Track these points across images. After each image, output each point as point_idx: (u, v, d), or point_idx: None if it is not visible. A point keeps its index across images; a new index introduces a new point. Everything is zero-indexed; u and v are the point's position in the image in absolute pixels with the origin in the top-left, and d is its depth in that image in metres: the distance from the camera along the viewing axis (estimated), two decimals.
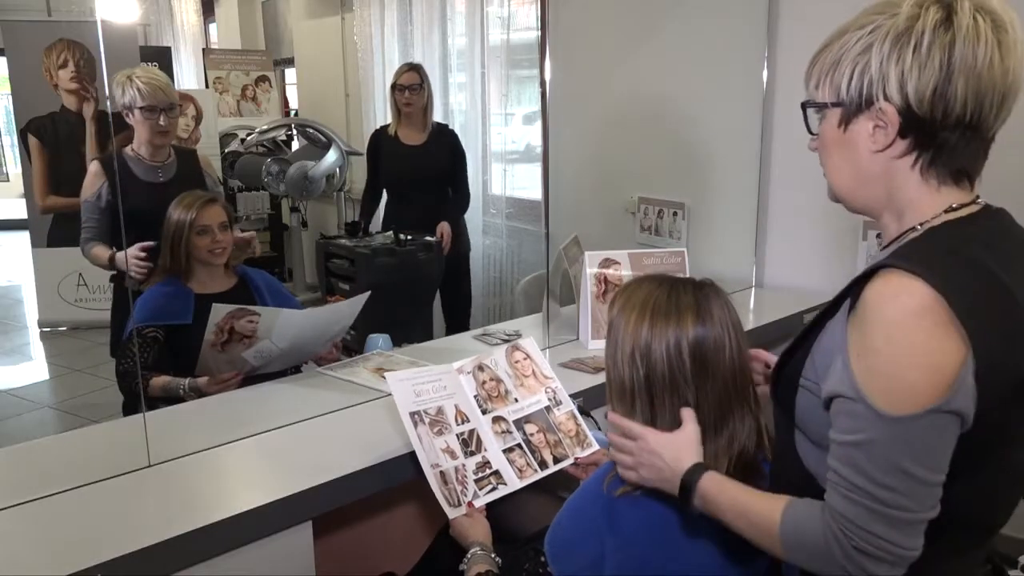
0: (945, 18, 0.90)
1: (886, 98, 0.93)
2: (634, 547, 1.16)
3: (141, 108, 2.39)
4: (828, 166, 1.04)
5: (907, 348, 0.85)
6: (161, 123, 2.42)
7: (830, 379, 0.93)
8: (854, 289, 0.92)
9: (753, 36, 2.75)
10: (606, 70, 3.30)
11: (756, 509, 1.01)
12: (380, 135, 3.70)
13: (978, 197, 0.98)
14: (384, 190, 3.74)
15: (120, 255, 2.30)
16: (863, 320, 0.89)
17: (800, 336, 1.01)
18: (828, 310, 0.98)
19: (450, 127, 3.83)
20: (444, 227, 3.51)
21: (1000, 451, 0.91)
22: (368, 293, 2.11)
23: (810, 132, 1.05)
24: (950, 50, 0.89)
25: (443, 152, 3.59)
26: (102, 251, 2.41)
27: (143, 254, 2.23)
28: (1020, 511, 1.01)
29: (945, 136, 0.93)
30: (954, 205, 0.96)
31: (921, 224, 0.96)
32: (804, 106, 1.03)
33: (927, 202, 0.97)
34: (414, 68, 3.58)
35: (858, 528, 0.88)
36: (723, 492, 1.06)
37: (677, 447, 1.12)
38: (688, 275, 1.37)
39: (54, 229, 4.82)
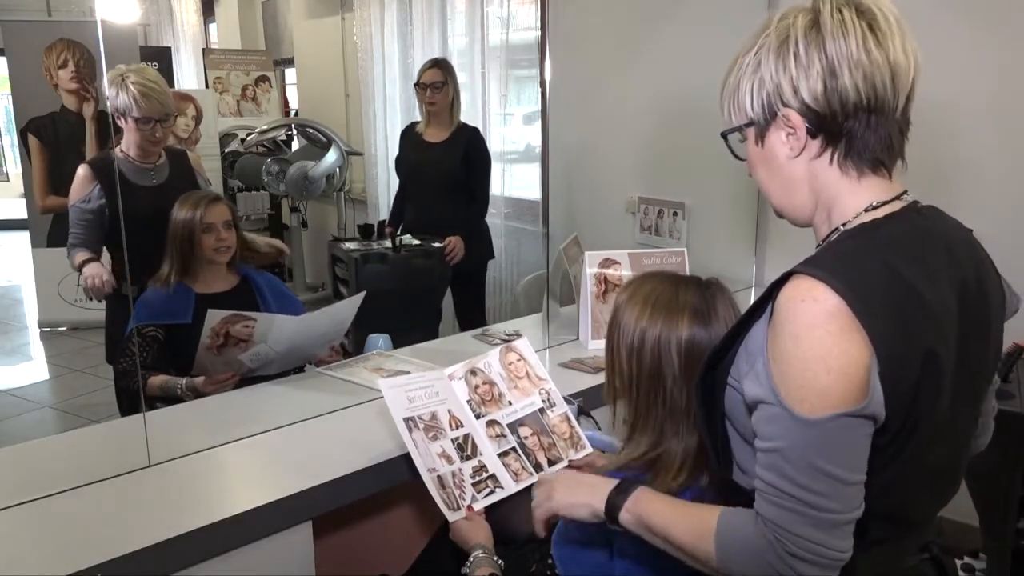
0: (813, 21, 0.96)
1: (785, 104, 0.98)
2: (644, 544, 1.17)
3: (136, 119, 2.32)
4: (761, 183, 1.08)
5: (815, 352, 0.87)
6: (156, 135, 2.36)
7: (752, 382, 0.95)
8: (773, 294, 0.93)
9: (752, 35, 2.75)
10: (606, 70, 3.30)
11: (690, 518, 1.01)
12: (407, 131, 3.51)
13: (904, 192, 1.01)
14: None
15: (89, 269, 2.23)
16: (775, 324, 0.92)
17: (728, 336, 1.03)
18: (754, 311, 0.99)
19: (474, 126, 3.50)
20: (455, 240, 3.25)
21: (908, 446, 0.93)
22: (363, 294, 2.10)
23: (736, 158, 1.09)
24: (824, 48, 0.95)
25: (456, 153, 3.28)
26: (79, 256, 2.30)
27: (106, 275, 2.20)
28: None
29: (850, 125, 0.97)
30: (874, 204, 0.99)
31: (844, 225, 0.99)
32: (724, 136, 1.08)
33: (849, 197, 1.00)
34: (438, 65, 3.30)
35: (790, 533, 0.89)
36: (654, 502, 1.07)
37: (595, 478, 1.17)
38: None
39: (54, 229, 4.80)
